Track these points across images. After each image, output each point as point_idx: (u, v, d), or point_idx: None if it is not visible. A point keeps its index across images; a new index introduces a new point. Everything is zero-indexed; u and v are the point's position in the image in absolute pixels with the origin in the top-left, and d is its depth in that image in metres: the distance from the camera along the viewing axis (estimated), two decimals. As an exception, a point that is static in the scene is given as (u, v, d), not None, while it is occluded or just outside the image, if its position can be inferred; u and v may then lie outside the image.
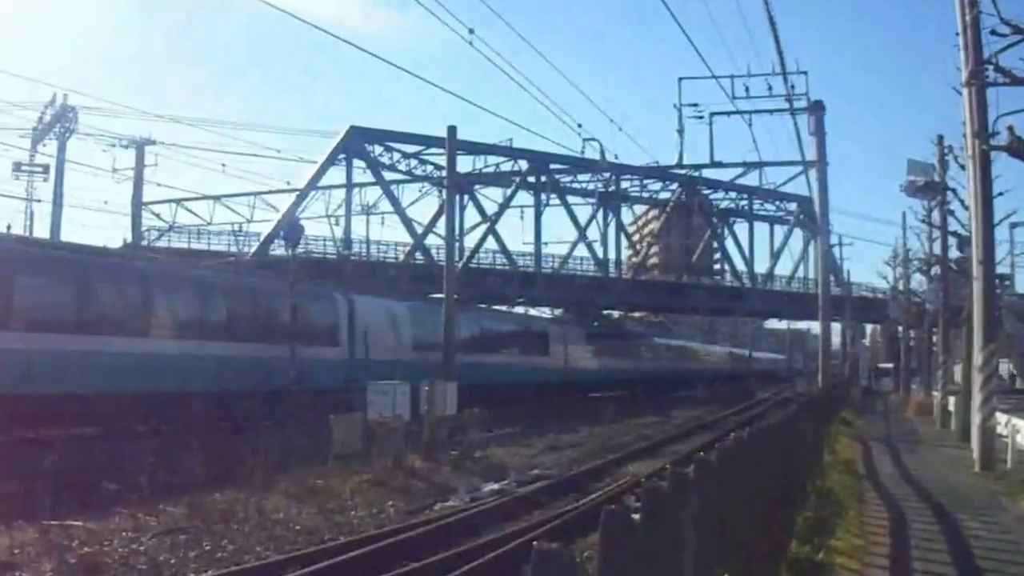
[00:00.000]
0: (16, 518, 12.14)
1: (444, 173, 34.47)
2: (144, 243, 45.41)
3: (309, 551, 11.36)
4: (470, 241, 55.77)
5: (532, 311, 60.54)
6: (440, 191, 48.28)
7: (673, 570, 3.93)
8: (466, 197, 55.28)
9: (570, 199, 61.39)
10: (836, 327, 63.80)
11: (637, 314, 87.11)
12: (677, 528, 4.05)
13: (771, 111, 34.29)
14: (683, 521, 4.20)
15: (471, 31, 21.98)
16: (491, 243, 57.31)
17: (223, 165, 63.46)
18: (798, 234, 69.22)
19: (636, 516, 3.62)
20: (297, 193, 50.56)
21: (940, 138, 32.44)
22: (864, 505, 14.26)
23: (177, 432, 21.46)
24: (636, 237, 75.21)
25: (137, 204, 44.97)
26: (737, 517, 6.14)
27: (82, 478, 15.55)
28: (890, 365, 73.73)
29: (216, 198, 50.52)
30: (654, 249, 73.74)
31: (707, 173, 57.68)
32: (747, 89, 33.14)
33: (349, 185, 52.66)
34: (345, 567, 10.53)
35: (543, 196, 59.24)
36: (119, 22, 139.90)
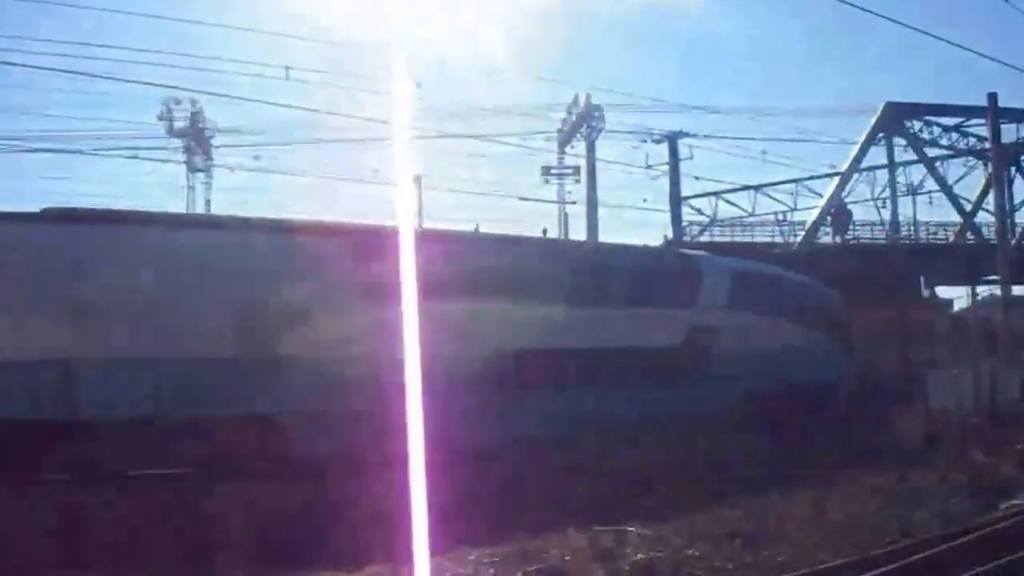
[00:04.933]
0: (566, 525, 12.64)
1: (987, 145, 31.50)
2: (685, 239, 45.24)
3: (873, 555, 10.77)
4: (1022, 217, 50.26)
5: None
6: (985, 164, 44.31)
7: None
8: (1013, 169, 50.11)
9: None
10: None
11: None
12: None
13: None
14: None
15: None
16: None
17: (763, 152, 61.68)
18: None
19: None
20: (839, 176, 49.20)
21: None
22: None
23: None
24: None
25: (675, 200, 44.68)
26: None
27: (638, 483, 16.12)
28: None
29: (756, 188, 49.28)
30: None
31: None
32: None
33: (891, 164, 49.91)
34: (908, 572, 9.99)
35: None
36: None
